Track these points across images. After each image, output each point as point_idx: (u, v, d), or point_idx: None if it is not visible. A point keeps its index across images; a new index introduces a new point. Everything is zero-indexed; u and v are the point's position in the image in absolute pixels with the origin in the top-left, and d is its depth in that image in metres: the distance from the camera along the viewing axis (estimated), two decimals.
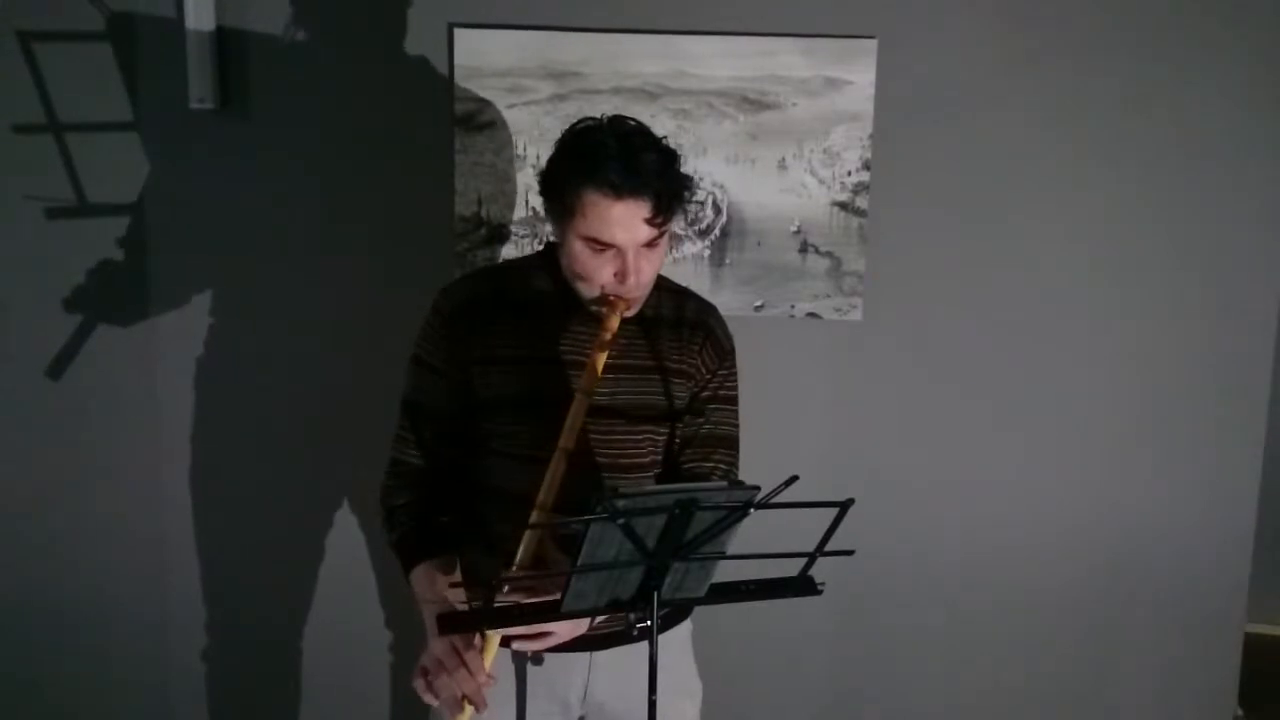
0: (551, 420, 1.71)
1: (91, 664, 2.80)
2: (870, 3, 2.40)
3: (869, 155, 2.43)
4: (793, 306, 2.51)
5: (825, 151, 2.44)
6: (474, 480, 1.87)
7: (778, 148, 2.45)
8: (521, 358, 1.82)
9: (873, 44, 2.40)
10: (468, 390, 1.83)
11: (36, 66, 2.54)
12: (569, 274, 1.78)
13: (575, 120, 1.78)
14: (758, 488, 1.46)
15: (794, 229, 2.48)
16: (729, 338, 1.95)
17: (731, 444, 1.93)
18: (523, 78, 2.46)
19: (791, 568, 1.60)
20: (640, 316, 1.82)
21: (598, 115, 1.77)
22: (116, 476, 2.72)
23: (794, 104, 2.43)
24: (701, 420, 1.90)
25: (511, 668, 1.88)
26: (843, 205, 2.46)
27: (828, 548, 1.55)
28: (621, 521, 1.42)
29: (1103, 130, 2.40)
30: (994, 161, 2.43)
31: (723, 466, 1.91)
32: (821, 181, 2.45)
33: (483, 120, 2.48)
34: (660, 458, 1.88)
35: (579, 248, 1.72)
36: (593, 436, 1.77)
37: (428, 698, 1.71)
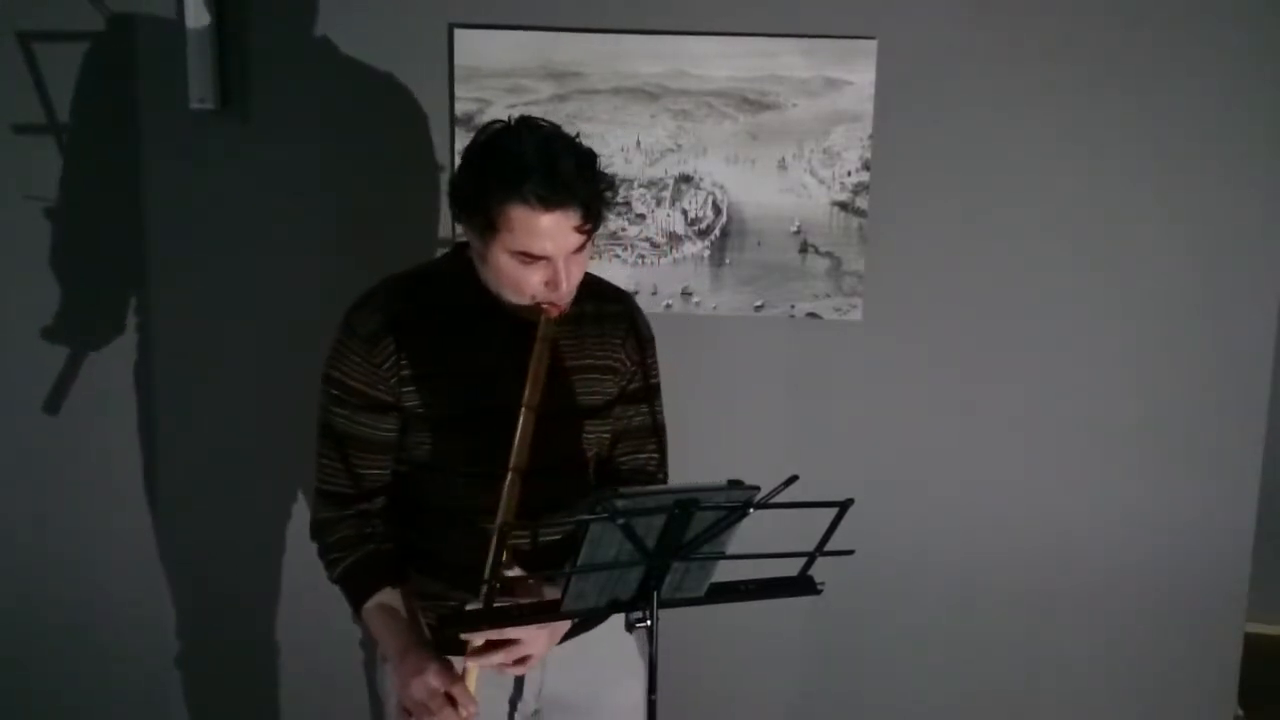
0: (492, 432, 1.69)
1: (88, 663, 2.80)
2: (870, 3, 2.40)
3: (869, 155, 2.43)
4: (793, 306, 2.51)
5: (825, 151, 2.44)
6: (412, 501, 1.83)
7: (778, 148, 2.45)
8: (453, 372, 1.77)
9: (873, 44, 2.40)
10: (396, 409, 1.77)
11: (36, 66, 2.54)
12: (493, 285, 1.73)
13: (481, 126, 1.72)
14: (757, 488, 1.46)
15: (794, 229, 2.48)
16: (648, 326, 1.95)
17: (661, 432, 1.94)
18: (523, 78, 2.46)
19: (791, 568, 1.60)
20: (561, 316, 1.76)
21: (504, 119, 1.71)
22: (114, 476, 2.72)
23: (794, 104, 2.43)
24: (632, 412, 1.90)
25: (511, 680, 1.87)
26: (843, 205, 2.46)
27: (828, 548, 1.55)
28: (621, 522, 1.42)
29: (1103, 130, 2.40)
30: (994, 161, 2.43)
31: (657, 456, 1.92)
32: (821, 181, 2.46)
33: (483, 120, 2.47)
34: (597, 452, 1.87)
35: (505, 261, 1.67)
36: (537, 441, 1.69)
37: None
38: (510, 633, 1.66)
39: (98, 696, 2.80)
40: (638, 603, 1.56)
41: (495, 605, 1.59)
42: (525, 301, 1.71)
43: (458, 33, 2.47)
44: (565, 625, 1.75)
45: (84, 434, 2.70)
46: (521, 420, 1.66)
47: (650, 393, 1.93)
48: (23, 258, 2.64)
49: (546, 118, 1.74)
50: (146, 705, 2.80)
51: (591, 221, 1.68)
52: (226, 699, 2.81)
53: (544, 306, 1.70)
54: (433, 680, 1.65)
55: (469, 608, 1.61)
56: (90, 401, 2.68)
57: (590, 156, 1.69)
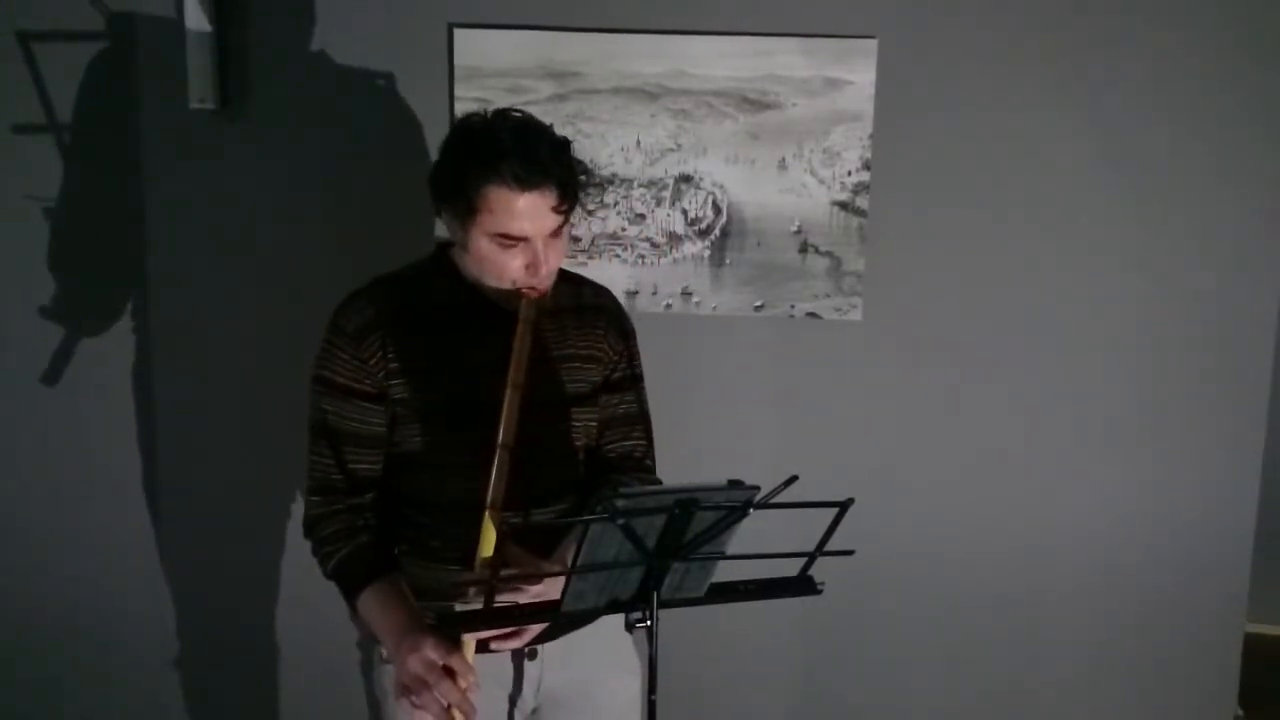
0: (479, 424, 1.71)
1: (88, 664, 2.80)
2: (870, 3, 2.40)
3: (869, 155, 2.43)
4: (793, 306, 2.51)
5: (825, 151, 2.44)
6: (405, 493, 1.85)
7: (778, 148, 2.45)
8: (439, 367, 1.80)
9: (873, 44, 2.40)
10: (384, 403, 1.80)
11: (36, 66, 2.54)
12: (475, 273, 1.77)
13: (458, 120, 1.76)
14: (758, 488, 1.45)
15: (794, 229, 2.48)
16: (628, 318, 1.98)
17: (646, 420, 1.97)
18: (523, 78, 2.46)
19: (791, 568, 1.60)
20: (542, 308, 1.79)
21: (481, 111, 1.76)
22: (114, 476, 2.72)
23: (794, 104, 2.43)
24: (617, 400, 1.92)
25: (510, 669, 1.88)
26: (843, 205, 2.46)
27: (828, 548, 1.55)
28: (621, 522, 1.42)
29: (1102, 129, 2.40)
30: (994, 161, 2.43)
31: (643, 444, 1.95)
32: (821, 181, 2.46)
33: None
34: (585, 441, 1.90)
35: (486, 245, 1.72)
36: (524, 430, 1.72)
37: (417, 716, 1.68)
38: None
39: (98, 696, 2.81)
40: (638, 603, 1.55)
41: (495, 605, 1.59)
42: (506, 286, 1.74)
43: (458, 33, 2.47)
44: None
45: (84, 434, 2.70)
46: (507, 399, 1.68)
47: (634, 381, 1.96)
48: (22, 258, 2.64)
49: (545, 118, 1.78)
50: (146, 705, 2.80)
51: (568, 201, 1.72)
52: (226, 699, 2.81)
53: (525, 291, 1.74)
54: (430, 653, 1.66)
55: (465, 606, 1.61)
56: (90, 401, 2.68)
57: (564, 141, 1.74)
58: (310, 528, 1.85)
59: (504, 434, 1.67)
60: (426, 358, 1.80)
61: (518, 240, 1.70)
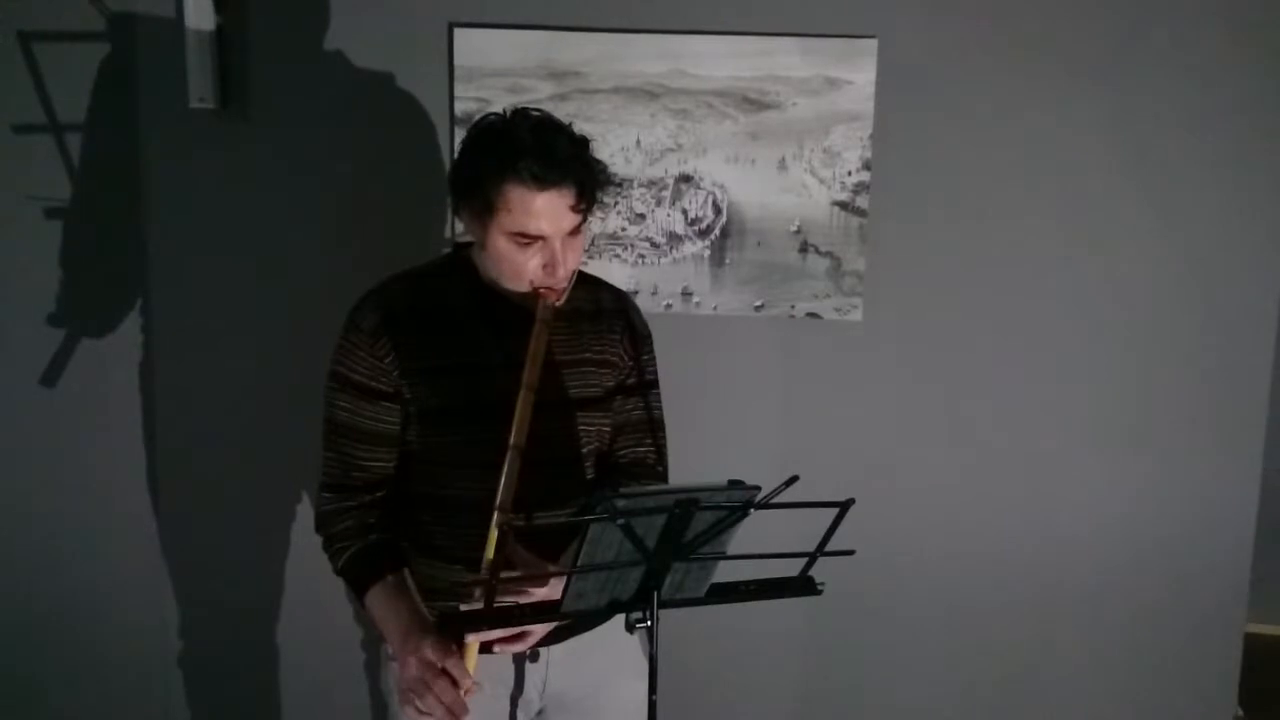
0: (492, 425, 1.71)
1: (88, 664, 2.80)
2: (870, 3, 2.40)
3: (869, 155, 2.43)
4: (793, 306, 2.51)
5: (825, 151, 2.44)
6: (414, 492, 1.85)
7: (778, 148, 2.45)
8: (454, 366, 1.80)
9: (873, 44, 2.40)
10: (398, 401, 1.80)
11: (36, 66, 2.54)
12: (493, 273, 1.77)
13: (477, 118, 1.76)
14: (758, 488, 1.46)
15: (794, 229, 2.48)
16: (645, 324, 1.98)
17: (660, 426, 1.97)
18: (523, 78, 2.46)
19: (791, 568, 1.60)
20: (558, 311, 1.79)
21: (500, 110, 1.76)
22: (114, 477, 2.72)
23: (794, 104, 2.43)
24: (630, 406, 1.92)
25: (512, 670, 1.88)
26: (843, 205, 2.46)
27: (828, 548, 1.55)
28: (621, 522, 1.42)
29: (1103, 130, 2.40)
30: (994, 162, 2.43)
31: (654, 450, 1.95)
32: (821, 181, 2.46)
33: None
34: (596, 445, 1.90)
35: (503, 244, 1.71)
36: (534, 432, 1.72)
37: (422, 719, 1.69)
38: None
39: (98, 696, 2.81)
40: (638, 603, 1.56)
41: (496, 605, 1.59)
42: (524, 287, 1.74)
43: (458, 32, 2.47)
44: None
45: (84, 434, 2.70)
46: (520, 400, 1.68)
47: (648, 387, 1.95)
48: (23, 258, 2.64)
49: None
50: (146, 705, 2.80)
51: (586, 200, 1.71)
52: (227, 699, 2.81)
53: (542, 292, 1.73)
54: (429, 654, 1.66)
55: (468, 607, 1.61)
56: (91, 401, 2.68)
57: (583, 140, 1.74)
58: (322, 523, 1.85)
59: (516, 435, 1.67)
60: (441, 357, 1.80)
61: (535, 239, 1.70)
